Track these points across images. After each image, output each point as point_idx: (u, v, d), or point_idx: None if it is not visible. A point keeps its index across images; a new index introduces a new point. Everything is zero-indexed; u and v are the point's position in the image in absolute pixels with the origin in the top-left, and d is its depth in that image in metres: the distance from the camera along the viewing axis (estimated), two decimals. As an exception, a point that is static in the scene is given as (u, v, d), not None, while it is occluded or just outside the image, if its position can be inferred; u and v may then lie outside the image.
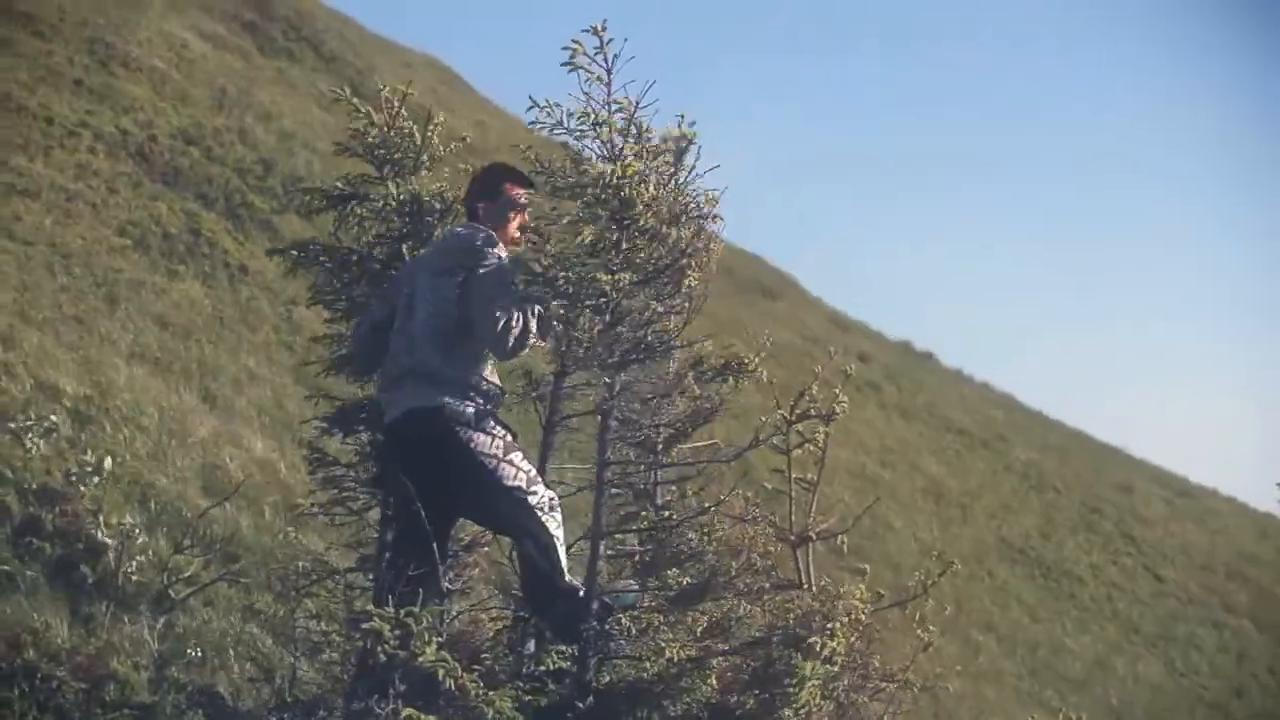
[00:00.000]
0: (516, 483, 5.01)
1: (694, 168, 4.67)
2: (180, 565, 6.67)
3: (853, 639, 4.84)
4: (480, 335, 4.99)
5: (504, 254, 5.09)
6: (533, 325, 4.95)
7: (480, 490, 5.02)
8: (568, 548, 5.10)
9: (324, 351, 5.95)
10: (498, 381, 5.25)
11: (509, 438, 5.12)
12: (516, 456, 5.07)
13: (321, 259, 5.73)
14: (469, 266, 5.02)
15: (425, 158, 5.65)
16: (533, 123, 4.61)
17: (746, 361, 5.15)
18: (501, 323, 4.88)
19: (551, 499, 5.08)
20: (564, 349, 4.97)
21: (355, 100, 5.68)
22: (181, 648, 6.14)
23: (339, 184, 5.81)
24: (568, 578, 5.02)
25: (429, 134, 5.68)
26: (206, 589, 6.69)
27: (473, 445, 5.02)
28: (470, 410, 5.05)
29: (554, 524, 5.04)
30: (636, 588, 5.16)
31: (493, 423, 5.11)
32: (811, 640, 4.67)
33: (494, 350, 5.04)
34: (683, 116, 4.68)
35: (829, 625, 4.74)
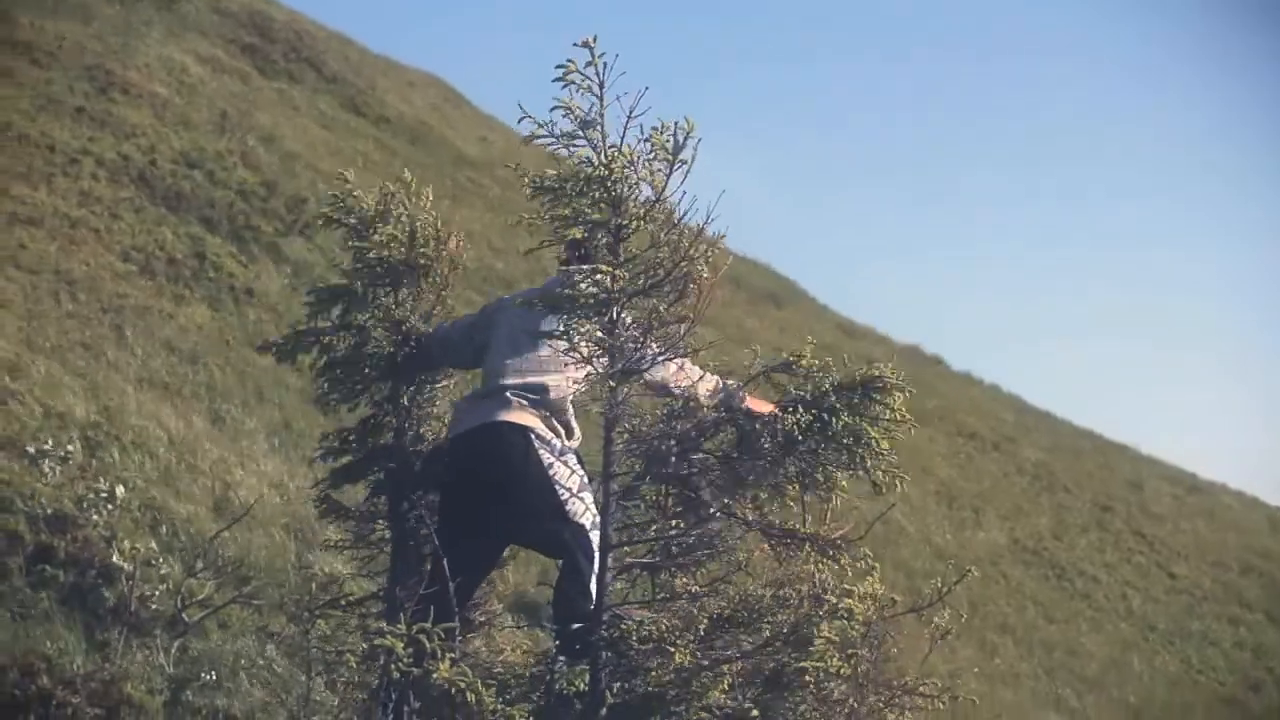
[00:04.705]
0: (584, 520, 5.00)
1: (689, 170, 4.55)
2: (193, 589, 6.67)
3: (871, 615, 4.81)
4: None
5: None
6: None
7: (545, 516, 5.00)
8: None
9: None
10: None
11: (584, 478, 5.12)
12: (588, 496, 5.07)
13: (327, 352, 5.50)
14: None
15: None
16: (527, 135, 4.51)
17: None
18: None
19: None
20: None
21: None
22: (196, 671, 6.15)
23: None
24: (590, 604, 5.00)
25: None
26: (220, 611, 6.70)
27: (551, 471, 5.01)
28: (557, 442, 5.08)
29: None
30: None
31: (575, 459, 5.14)
32: (829, 599, 4.67)
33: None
34: (688, 120, 4.57)
35: (848, 592, 4.76)
